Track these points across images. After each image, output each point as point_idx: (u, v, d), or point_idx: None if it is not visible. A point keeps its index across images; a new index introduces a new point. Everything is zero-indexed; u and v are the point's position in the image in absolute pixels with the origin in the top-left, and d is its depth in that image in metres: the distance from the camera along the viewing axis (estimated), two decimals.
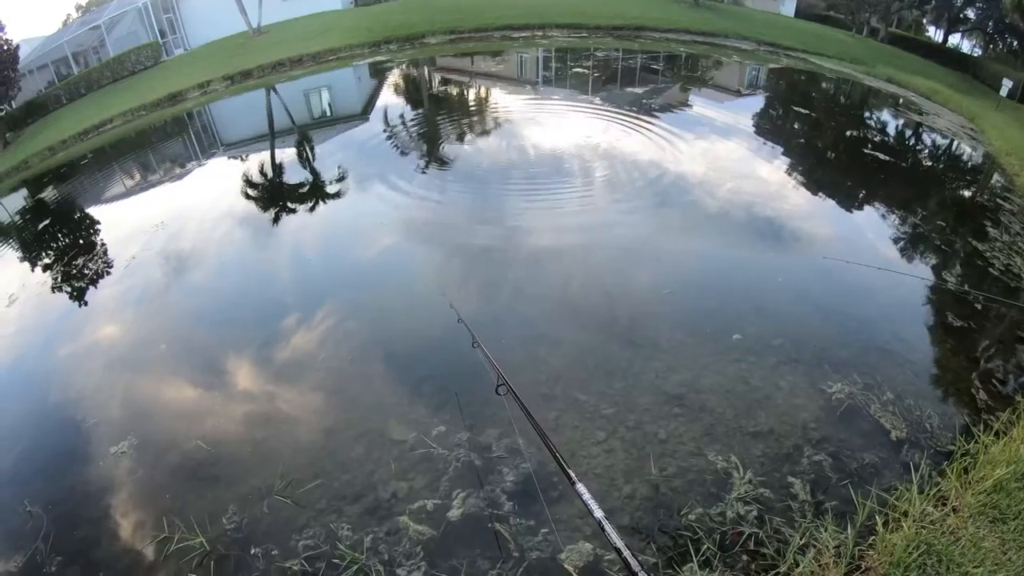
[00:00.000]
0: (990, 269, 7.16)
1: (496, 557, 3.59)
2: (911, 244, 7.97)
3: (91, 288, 8.06)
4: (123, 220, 10.61)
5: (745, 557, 3.53)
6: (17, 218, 12.69)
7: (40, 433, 5.48)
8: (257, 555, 3.83)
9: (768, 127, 13.96)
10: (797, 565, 3.38)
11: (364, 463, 4.35)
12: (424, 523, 3.83)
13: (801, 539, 3.53)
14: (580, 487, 0.92)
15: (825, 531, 3.50)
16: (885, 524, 3.51)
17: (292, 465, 4.43)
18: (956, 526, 3.43)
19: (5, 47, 21.63)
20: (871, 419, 4.61)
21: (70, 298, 8.01)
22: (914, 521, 3.47)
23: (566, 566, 3.52)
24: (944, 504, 3.64)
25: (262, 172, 11.31)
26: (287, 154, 12.87)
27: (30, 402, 6.00)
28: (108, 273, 8.36)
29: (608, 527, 0.85)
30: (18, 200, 14.10)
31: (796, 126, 14.21)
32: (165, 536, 4.03)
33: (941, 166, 12.55)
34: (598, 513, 0.89)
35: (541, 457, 4.27)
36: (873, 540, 3.43)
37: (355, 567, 3.61)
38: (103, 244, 9.60)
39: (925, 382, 5.19)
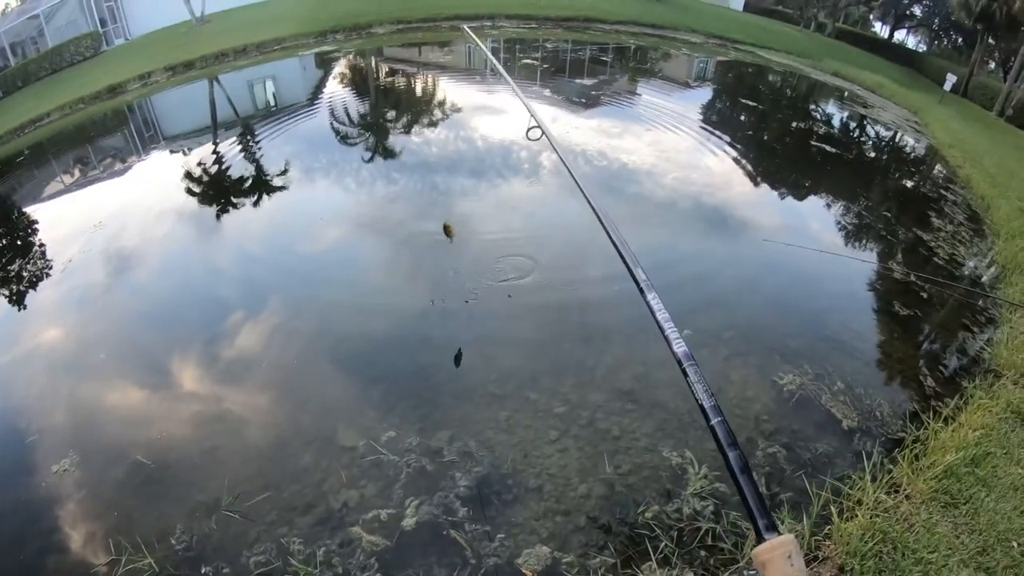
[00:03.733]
0: (935, 259, 7.33)
1: (453, 564, 3.50)
2: (857, 233, 8.15)
3: (29, 292, 7.70)
4: (62, 219, 10.17)
5: (703, 552, 3.52)
6: None
7: None
8: (208, 574, 3.68)
9: (716, 119, 14.14)
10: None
11: (313, 472, 4.21)
12: (377, 533, 3.71)
13: None
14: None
15: (782, 523, 3.50)
16: (840, 513, 3.54)
17: (240, 476, 4.26)
18: (909, 513, 3.48)
19: None
20: (823, 409, 4.66)
21: (8, 302, 7.68)
22: (868, 509, 3.51)
23: (524, 570, 3.46)
24: (897, 492, 3.70)
25: (204, 166, 10.99)
26: (230, 147, 12.48)
27: None
28: (47, 276, 8.00)
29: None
30: None
31: (743, 118, 14.42)
32: (113, 559, 3.82)
33: (886, 158, 12.87)
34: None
35: (493, 459, 4.21)
36: (829, 530, 3.45)
37: None
38: (41, 245, 9.18)
39: (874, 370, 5.30)
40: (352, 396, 4.95)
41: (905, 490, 3.69)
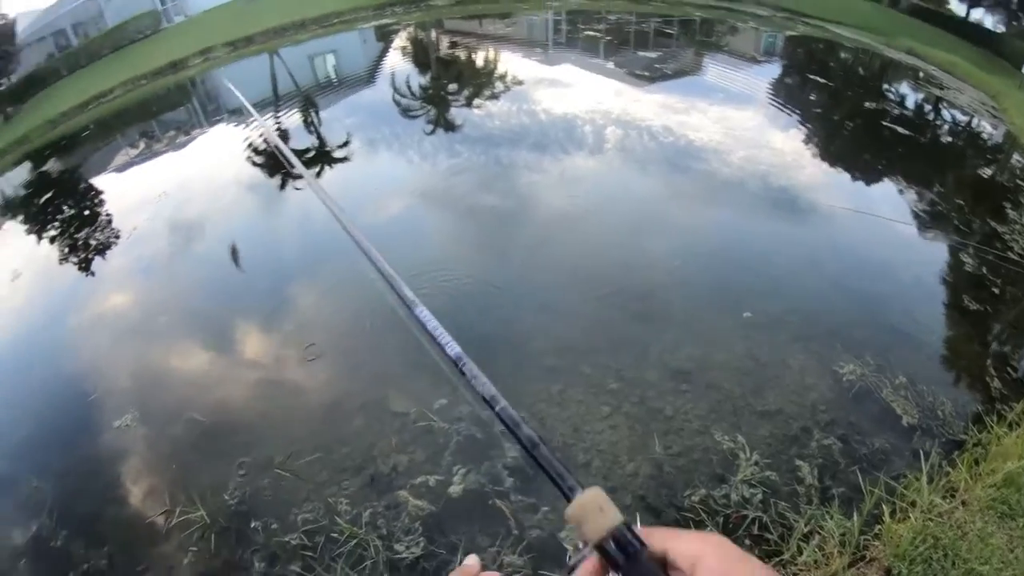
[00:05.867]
0: (1009, 252, 7.00)
1: (496, 534, 3.56)
2: (929, 220, 7.79)
3: (95, 260, 8.03)
4: (127, 191, 10.56)
5: (748, 542, 3.47)
6: (20, 192, 12.64)
7: (45, 407, 5.51)
8: (257, 528, 3.82)
9: (784, 96, 13.66)
10: (800, 553, 3.31)
11: (364, 435, 4.31)
12: (423, 498, 3.79)
13: (806, 526, 3.45)
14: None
15: (831, 519, 3.42)
16: (892, 514, 3.41)
17: (292, 437, 4.41)
18: (964, 520, 3.32)
19: (2, 21, 21.36)
20: (882, 403, 4.48)
21: (76, 270, 7.98)
22: (921, 512, 3.36)
23: (566, 545, 3.48)
24: (953, 496, 3.52)
25: (266, 139, 11.19)
26: (293, 120, 12.68)
27: (35, 376, 6.02)
28: (113, 245, 8.32)
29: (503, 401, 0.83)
30: (21, 174, 14.02)
31: (813, 96, 13.89)
32: (167, 510, 4.05)
33: (960, 143, 12.26)
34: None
35: (543, 434, 4.21)
36: (879, 530, 3.34)
37: (353, 542, 3.59)
38: (107, 215, 9.54)
39: (938, 366, 5.07)
40: (406, 362, 5.01)
41: (962, 495, 3.51)
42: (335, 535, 3.65)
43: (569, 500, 0.71)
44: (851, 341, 5.13)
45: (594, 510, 0.69)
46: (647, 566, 0.66)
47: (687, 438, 4.20)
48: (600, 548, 0.68)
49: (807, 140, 10.30)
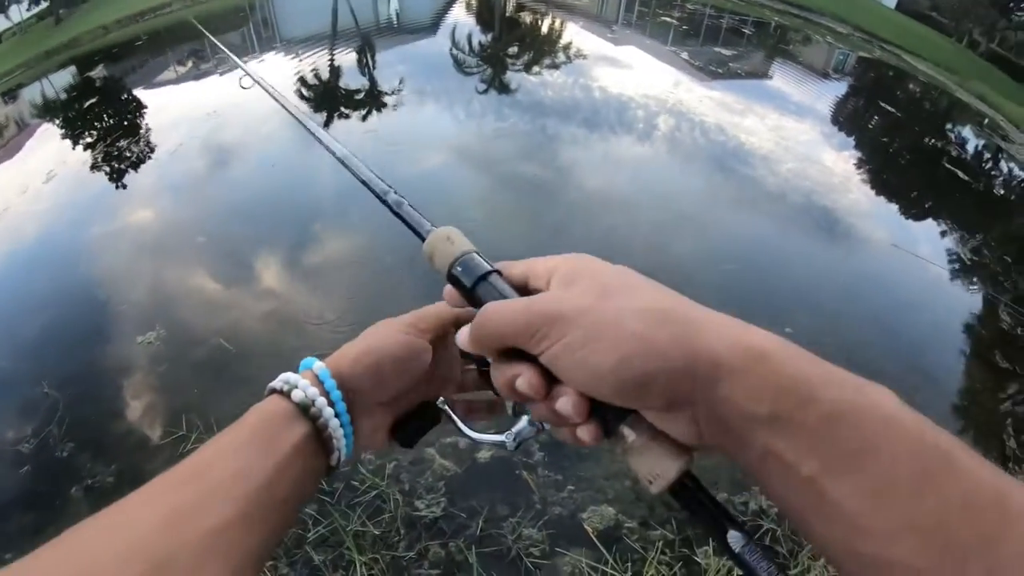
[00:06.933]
0: None
1: (518, 505, 3.56)
2: (971, 269, 7.69)
3: (131, 172, 7.99)
4: (171, 107, 10.51)
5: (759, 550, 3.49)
6: (63, 95, 12.61)
7: (66, 312, 5.47)
8: None
9: (846, 116, 13.44)
10: (808, 570, 3.32)
11: None
12: (450, 459, 3.78)
13: None
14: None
15: None
16: None
17: None
18: None
19: None
20: None
21: (109, 179, 7.95)
22: None
23: (586, 526, 3.49)
24: None
25: (318, 73, 11.09)
26: (347, 59, 12.56)
27: (58, 279, 5.98)
28: (150, 158, 8.29)
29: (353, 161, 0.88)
30: (66, 77, 13.98)
31: (875, 122, 13.65)
32: (182, 434, 4.01)
33: (1014, 198, 12.04)
34: (339, 150, 0.94)
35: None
36: None
37: (374, 492, 3.59)
38: (148, 128, 9.50)
39: (958, 415, 5.04)
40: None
41: None
42: (355, 483, 3.64)
43: (423, 239, 0.71)
44: (882, 376, 4.99)
45: (442, 240, 0.69)
46: (495, 284, 0.65)
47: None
48: (451, 278, 0.68)
49: (859, 164, 10.14)
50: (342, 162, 0.96)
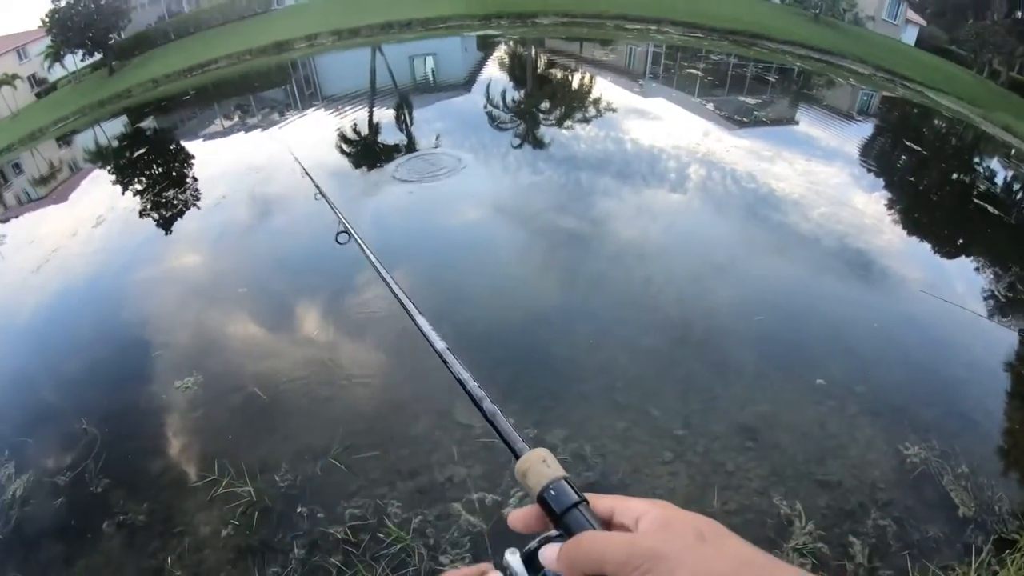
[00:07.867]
0: None
1: None
2: (1006, 305, 7.47)
3: (178, 220, 8.25)
4: (217, 159, 10.86)
5: None
6: (115, 143, 13.09)
7: (109, 353, 5.66)
8: (302, 514, 3.82)
9: (874, 157, 13.35)
10: None
11: (424, 441, 4.27)
12: (476, 514, 3.72)
13: None
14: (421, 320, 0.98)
15: None
16: None
17: (351, 429, 4.40)
18: None
19: None
20: (942, 490, 4.21)
21: (156, 226, 8.21)
22: None
23: None
24: None
25: (357, 130, 11.36)
26: (385, 115, 12.90)
27: (103, 321, 6.20)
28: (196, 207, 8.54)
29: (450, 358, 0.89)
30: (117, 126, 14.59)
31: (903, 160, 13.55)
32: (214, 478, 4.07)
33: None
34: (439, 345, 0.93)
35: (604, 467, 4.15)
36: None
37: (399, 546, 3.55)
38: (195, 179, 9.82)
39: (1002, 460, 4.81)
40: (477, 375, 4.95)
41: None
42: (381, 536, 3.61)
43: (517, 457, 0.74)
44: (919, 422, 4.86)
45: (537, 462, 0.71)
46: (584, 515, 0.67)
47: (745, 496, 4.06)
48: (541, 499, 0.70)
49: (890, 204, 10.02)
50: (440, 357, 1.00)
